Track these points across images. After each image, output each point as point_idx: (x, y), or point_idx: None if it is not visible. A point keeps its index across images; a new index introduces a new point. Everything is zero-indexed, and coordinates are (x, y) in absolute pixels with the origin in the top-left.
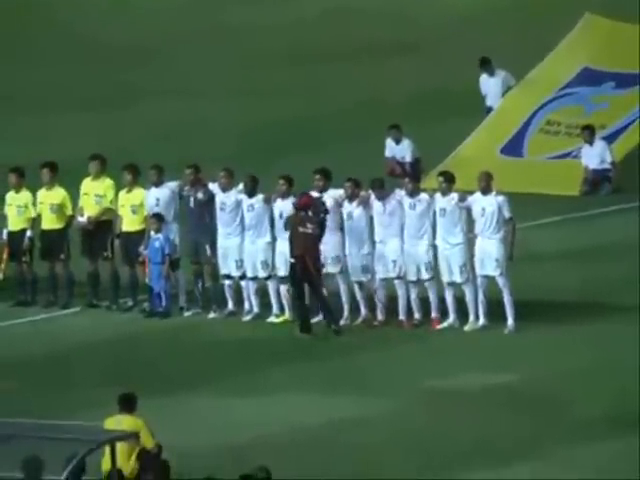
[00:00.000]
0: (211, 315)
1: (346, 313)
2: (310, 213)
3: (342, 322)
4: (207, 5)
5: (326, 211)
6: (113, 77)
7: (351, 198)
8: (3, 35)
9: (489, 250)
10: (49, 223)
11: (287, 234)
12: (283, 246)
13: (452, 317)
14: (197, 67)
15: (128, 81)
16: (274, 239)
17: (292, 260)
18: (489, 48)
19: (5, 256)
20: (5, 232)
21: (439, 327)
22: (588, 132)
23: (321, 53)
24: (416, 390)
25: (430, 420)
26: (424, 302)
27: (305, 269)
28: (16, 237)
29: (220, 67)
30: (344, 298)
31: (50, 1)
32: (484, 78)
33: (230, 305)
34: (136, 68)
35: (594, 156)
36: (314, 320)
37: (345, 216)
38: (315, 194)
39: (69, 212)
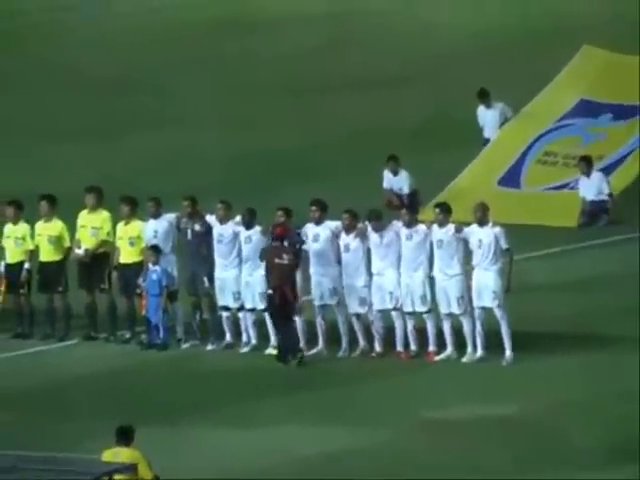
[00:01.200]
0: (209, 347)
1: (344, 345)
2: (286, 244)
3: (340, 353)
4: (204, 36)
5: (302, 242)
6: (109, 108)
7: (348, 230)
8: None
9: (486, 282)
10: (47, 255)
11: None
12: None
13: (450, 349)
14: (193, 98)
15: (124, 112)
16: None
17: (270, 292)
18: (487, 80)
19: (3, 288)
20: (3, 264)
21: (436, 359)
22: (585, 164)
23: (318, 84)
24: (413, 421)
25: (427, 451)
26: (422, 333)
27: (283, 300)
28: (14, 269)
29: (216, 98)
30: (342, 330)
31: (39, 32)
32: (482, 110)
33: (228, 337)
34: (132, 98)
35: (591, 187)
36: (312, 352)
37: (342, 248)
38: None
39: (67, 244)
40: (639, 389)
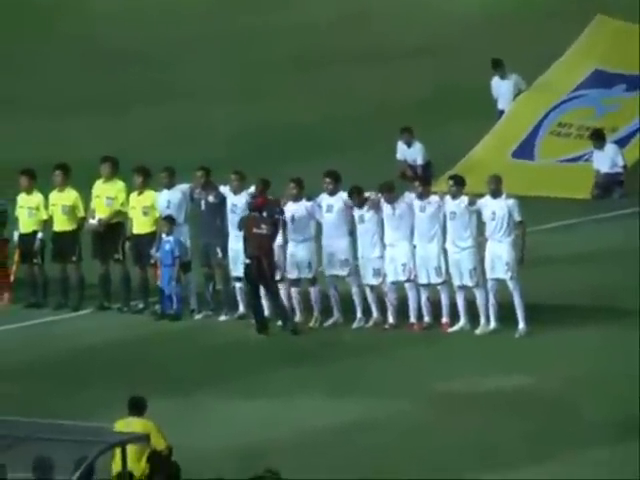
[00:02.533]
0: (222, 318)
1: (359, 315)
2: (265, 214)
3: (355, 325)
4: (217, 10)
5: (281, 212)
6: (123, 81)
7: (359, 205)
8: (6, 40)
9: (499, 253)
10: (61, 225)
11: (299, 237)
12: (294, 249)
13: (463, 320)
14: (204, 71)
15: (137, 85)
16: (285, 242)
17: (247, 261)
18: (501, 52)
19: (17, 258)
20: (16, 234)
21: (450, 330)
22: (596, 137)
23: (331, 57)
24: (426, 393)
25: (440, 423)
26: (435, 305)
27: (260, 270)
28: (27, 239)
29: (227, 71)
30: (356, 301)
31: (51, 6)
32: (496, 81)
33: (241, 308)
34: (145, 72)
35: (605, 160)
36: (327, 323)
37: (357, 219)
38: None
39: (81, 214)
40: None
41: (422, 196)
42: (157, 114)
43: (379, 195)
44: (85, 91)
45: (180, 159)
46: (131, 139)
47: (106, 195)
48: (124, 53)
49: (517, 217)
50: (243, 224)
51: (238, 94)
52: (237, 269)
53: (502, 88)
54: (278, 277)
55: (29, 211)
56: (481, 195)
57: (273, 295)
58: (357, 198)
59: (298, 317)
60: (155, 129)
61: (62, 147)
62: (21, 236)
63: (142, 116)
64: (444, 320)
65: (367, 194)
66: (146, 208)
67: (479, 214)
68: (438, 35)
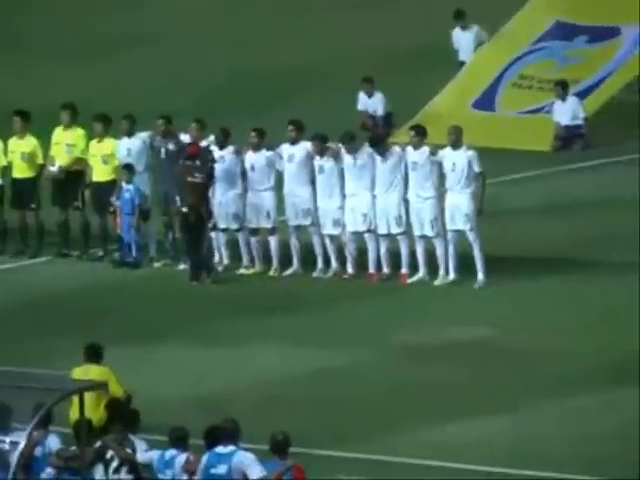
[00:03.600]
0: (181, 266)
1: (320, 265)
2: (198, 162)
3: (315, 274)
4: None
5: (213, 160)
6: (89, 26)
7: (320, 154)
8: None
9: (459, 204)
10: (20, 172)
11: (260, 187)
12: (254, 198)
13: (422, 271)
14: (180, 14)
15: (106, 30)
16: (245, 191)
17: (185, 209)
18: (462, 3)
19: None
20: None
21: (409, 281)
22: (561, 87)
23: (298, 4)
24: (385, 343)
25: (398, 373)
26: (395, 256)
27: (199, 218)
28: None
29: (199, 15)
30: (317, 250)
31: None
32: (457, 32)
33: None
34: (113, 16)
35: (566, 112)
36: (287, 272)
37: (317, 169)
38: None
39: (40, 161)
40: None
41: (381, 153)
42: (123, 61)
43: (340, 145)
44: (50, 37)
45: (142, 106)
46: (96, 86)
47: (66, 142)
48: None
49: (477, 168)
50: (177, 173)
51: (201, 41)
52: None
53: (463, 39)
54: (233, 226)
55: None
56: (442, 146)
57: (201, 243)
58: (319, 145)
59: (257, 266)
60: (120, 75)
61: (24, 92)
62: None
63: (120, 60)
64: (403, 271)
65: (328, 144)
66: (106, 156)
67: (440, 165)
68: None
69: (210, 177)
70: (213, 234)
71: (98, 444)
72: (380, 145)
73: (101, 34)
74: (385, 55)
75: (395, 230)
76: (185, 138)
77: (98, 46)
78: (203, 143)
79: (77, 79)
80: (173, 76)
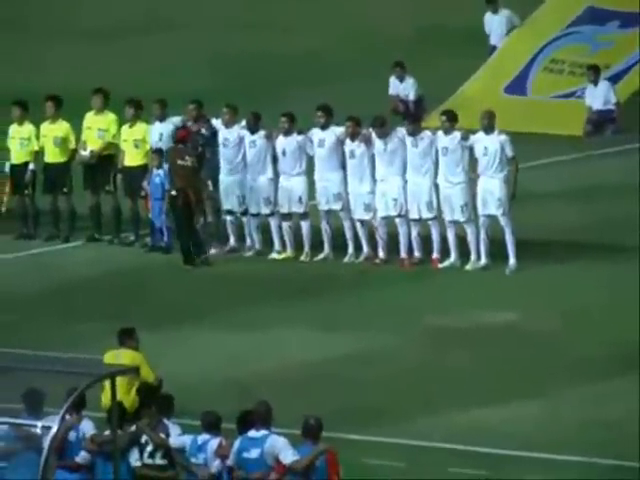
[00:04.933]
0: (212, 251)
1: (350, 250)
2: (189, 146)
3: (346, 259)
4: None
5: (205, 144)
6: (115, 10)
7: (352, 137)
8: None
9: (491, 189)
10: (52, 156)
11: (291, 172)
12: (285, 183)
13: (454, 256)
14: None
15: (134, 14)
16: (276, 176)
17: (174, 192)
18: None
19: (8, 189)
20: (8, 165)
21: (440, 266)
22: (593, 72)
23: None
24: (416, 328)
25: (429, 357)
26: (426, 241)
27: (186, 201)
28: (19, 170)
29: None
30: (348, 235)
31: None
32: (488, 16)
33: (232, 241)
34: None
35: (598, 97)
36: (318, 257)
37: (347, 154)
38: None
39: (72, 146)
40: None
41: (414, 133)
42: (151, 44)
43: (370, 130)
44: (80, 20)
45: (172, 90)
46: (124, 70)
47: (97, 127)
48: None
49: (509, 153)
50: (167, 156)
51: (229, 24)
52: (228, 202)
53: (494, 23)
54: (265, 211)
55: (20, 142)
56: (473, 131)
57: (192, 226)
58: (353, 127)
59: (289, 251)
60: (148, 59)
61: (54, 76)
62: (12, 167)
63: (139, 45)
64: (434, 256)
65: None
66: (137, 141)
67: (471, 150)
68: None
69: (200, 160)
70: (245, 219)
71: (132, 428)
72: (415, 126)
73: (120, 19)
74: (415, 39)
75: (426, 215)
76: (217, 123)
77: (126, 28)
78: (235, 128)
79: (106, 62)
80: (197, 60)
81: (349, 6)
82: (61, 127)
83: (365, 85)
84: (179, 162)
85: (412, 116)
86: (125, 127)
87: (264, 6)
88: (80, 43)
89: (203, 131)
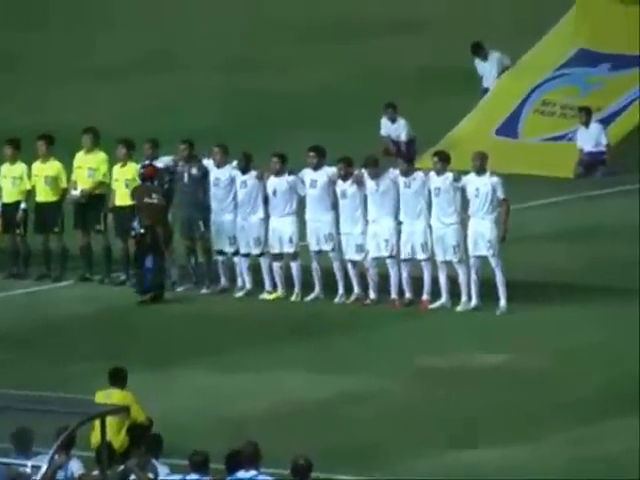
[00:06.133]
0: (203, 291)
1: (341, 291)
2: (155, 183)
3: (336, 299)
4: None
5: (171, 181)
6: (109, 49)
7: (344, 177)
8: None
9: (482, 231)
10: (44, 196)
11: (282, 212)
12: (276, 223)
13: (445, 297)
14: (196, 40)
15: (125, 53)
16: (267, 216)
17: (142, 231)
18: (486, 28)
19: None
20: None
21: (430, 307)
22: (585, 113)
23: (319, 29)
24: (407, 369)
25: (420, 399)
26: (417, 282)
27: (154, 239)
28: (10, 209)
29: (217, 40)
30: (338, 275)
31: None
32: (478, 62)
33: (223, 281)
34: (133, 38)
35: (589, 138)
36: (309, 297)
37: (339, 194)
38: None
39: (63, 185)
40: (639, 340)
41: (406, 173)
42: (144, 85)
43: (362, 170)
44: (73, 59)
45: (164, 130)
46: (122, 109)
47: (87, 166)
48: (112, 19)
49: (500, 195)
50: (134, 194)
51: (227, 64)
52: (219, 242)
53: (485, 68)
54: (255, 251)
55: (12, 181)
56: (464, 172)
57: (161, 264)
58: (345, 168)
59: (279, 291)
60: (140, 98)
61: (46, 116)
62: (4, 206)
63: (132, 85)
64: (424, 297)
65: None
66: (129, 180)
67: (463, 191)
68: (426, 11)
69: (168, 198)
70: (236, 259)
71: (121, 468)
72: (408, 166)
73: (116, 57)
74: (407, 80)
75: (421, 256)
76: (208, 163)
77: (119, 68)
78: (226, 168)
79: (98, 102)
80: (190, 99)
81: (349, 47)
82: (52, 166)
83: (357, 126)
84: (146, 200)
85: (405, 156)
86: (117, 167)
87: (258, 47)
88: (79, 83)
89: (194, 171)
